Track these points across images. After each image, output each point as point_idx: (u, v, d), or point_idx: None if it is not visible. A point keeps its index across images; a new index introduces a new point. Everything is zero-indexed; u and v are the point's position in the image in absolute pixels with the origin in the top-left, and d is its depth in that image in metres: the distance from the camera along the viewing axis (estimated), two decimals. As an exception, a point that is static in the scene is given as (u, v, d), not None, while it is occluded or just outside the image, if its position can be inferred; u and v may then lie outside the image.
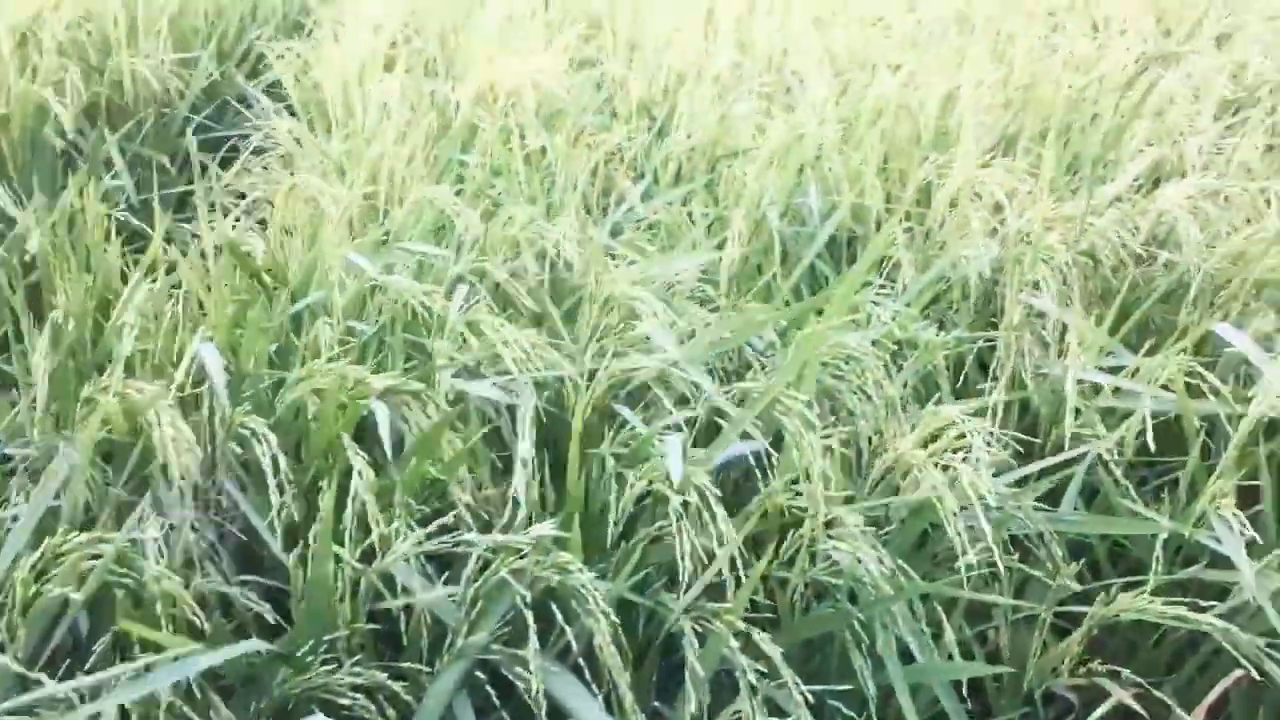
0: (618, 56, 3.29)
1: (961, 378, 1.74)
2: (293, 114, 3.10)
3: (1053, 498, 1.49)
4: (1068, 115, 2.59)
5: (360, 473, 1.32)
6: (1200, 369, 1.47)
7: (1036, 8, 4.43)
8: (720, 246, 2.05)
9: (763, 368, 1.59)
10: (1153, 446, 1.44)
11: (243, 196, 2.52)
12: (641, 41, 3.41)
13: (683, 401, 1.51)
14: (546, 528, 1.25)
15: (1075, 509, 1.51)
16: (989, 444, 1.41)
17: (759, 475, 1.39)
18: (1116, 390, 1.50)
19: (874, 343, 1.59)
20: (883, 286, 1.90)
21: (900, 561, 1.29)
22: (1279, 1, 4.27)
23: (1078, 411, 1.48)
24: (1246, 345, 1.45)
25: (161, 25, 3.30)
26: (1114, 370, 1.58)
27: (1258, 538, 1.34)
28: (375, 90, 2.71)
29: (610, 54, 3.35)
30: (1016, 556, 1.41)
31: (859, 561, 1.24)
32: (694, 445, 1.38)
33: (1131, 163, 2.14)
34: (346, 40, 3.26)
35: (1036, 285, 1.70)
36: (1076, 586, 1.36)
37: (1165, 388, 1.50)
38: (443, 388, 1.50)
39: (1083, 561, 1.51)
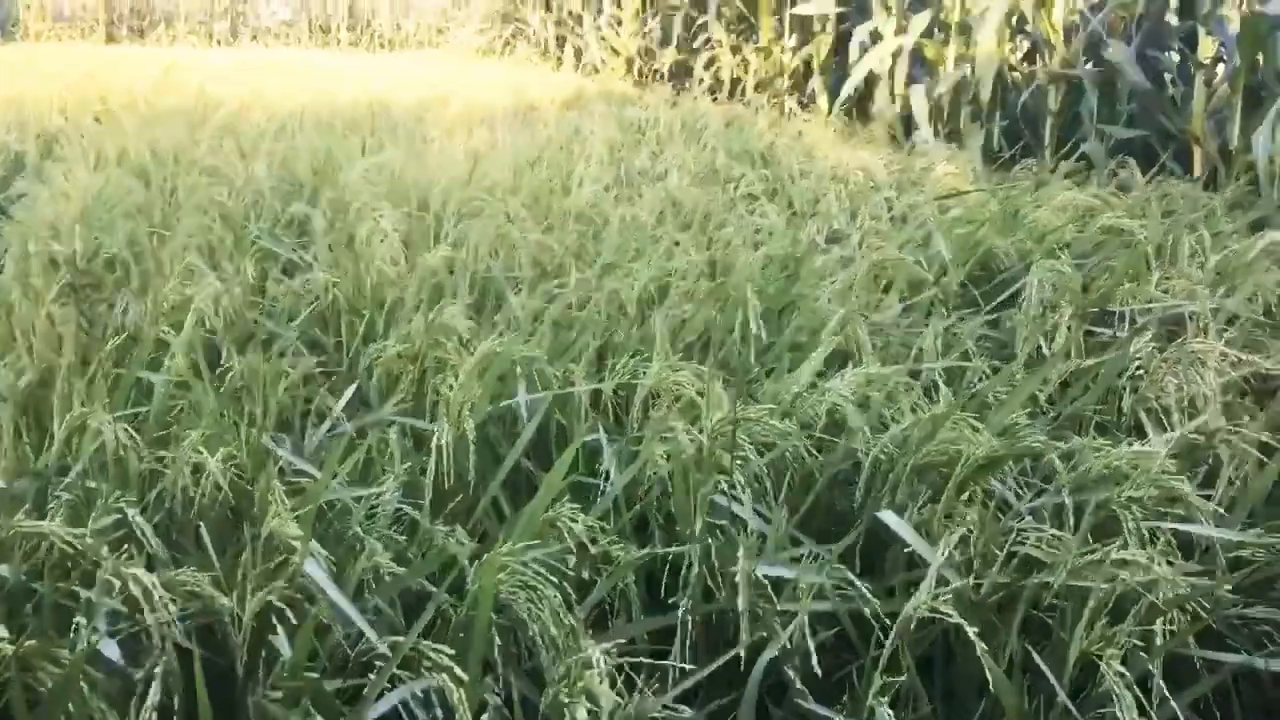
0: (323, 260, 3.24)
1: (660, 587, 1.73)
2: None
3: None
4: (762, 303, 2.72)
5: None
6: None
7: (737, 194, 4.74)
8: (424, 461, 2.00)
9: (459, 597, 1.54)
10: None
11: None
12: (352, 243, 3.39)
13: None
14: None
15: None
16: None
17: None
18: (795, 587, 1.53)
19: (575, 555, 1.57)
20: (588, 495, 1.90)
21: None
22: (948, 182, 4.74)
23: (758, 615, 1.49)
24: (908, 534, 1.51)
25: None
26: (797, 560, 1.61)
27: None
28: (53, 314, 2.55)
29: (317, 258, 3.30)
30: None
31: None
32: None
33: (819, 351, 2.24)
34: (26, 260, 3.09)
35: (725, 485, 1.73)
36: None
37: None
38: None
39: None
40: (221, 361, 2.46)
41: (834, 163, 5.07)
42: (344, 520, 1.79)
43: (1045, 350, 2.46)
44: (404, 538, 1.74)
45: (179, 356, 2.39)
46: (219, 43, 21.28)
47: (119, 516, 1.68)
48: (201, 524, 1.72)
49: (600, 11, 12.95)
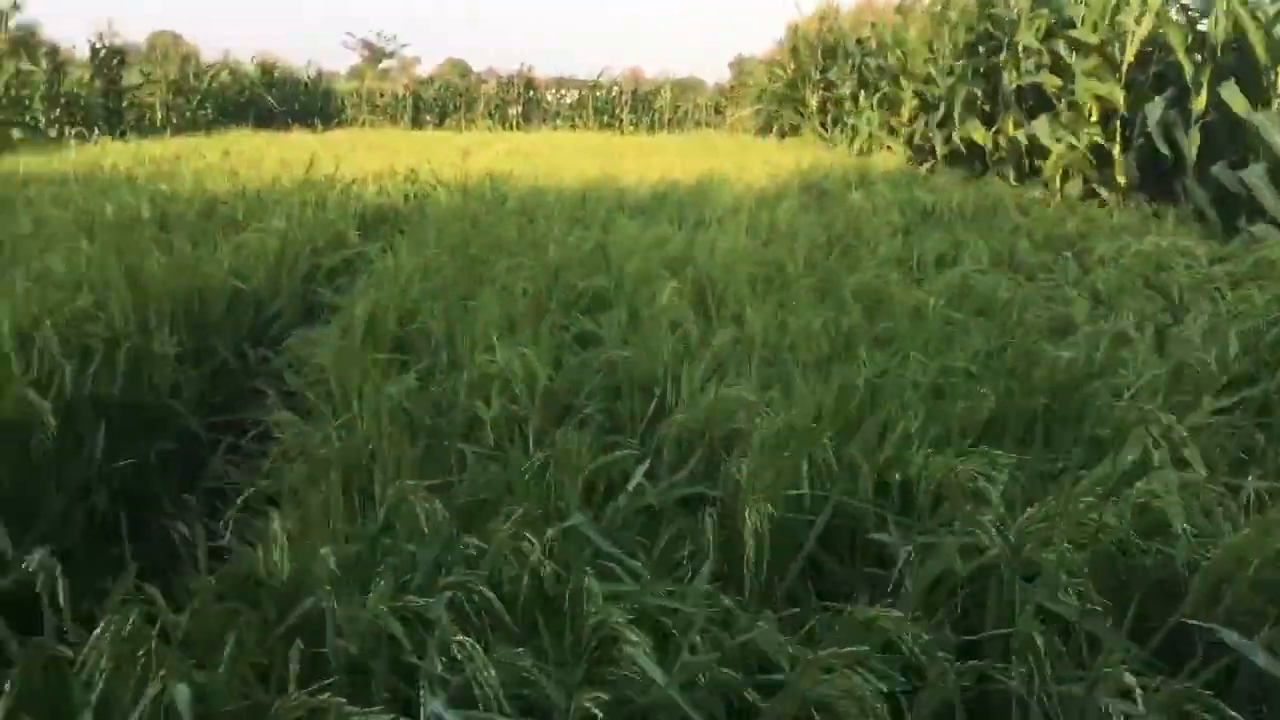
0: (617, 336, 3.34)
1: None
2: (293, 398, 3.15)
3: None
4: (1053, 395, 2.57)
5: None
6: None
7: (1037, 282, 4.55)
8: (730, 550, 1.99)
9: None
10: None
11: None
12: (641, 318, 3.47)
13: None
14: None
15: None
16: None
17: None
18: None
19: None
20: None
21: None
22: None
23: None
24: (1269, 663, 1.36)
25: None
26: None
27: None
28: (371, 385, 2.74)
29: (610, 333, 3.40)
30: None
31: None
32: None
33: (1124, 448, 2.10)
34: (353, 329, 3.36)
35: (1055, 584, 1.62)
36: None
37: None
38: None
39: None
40: (529, 434, 2.56)
41: (1144, 248, 4.74)
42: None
43: None
44: (718, 628, 1.73)
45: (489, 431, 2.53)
46: (512, 126, 23.00)
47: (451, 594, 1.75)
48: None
49: (877, 91, 12.92)
